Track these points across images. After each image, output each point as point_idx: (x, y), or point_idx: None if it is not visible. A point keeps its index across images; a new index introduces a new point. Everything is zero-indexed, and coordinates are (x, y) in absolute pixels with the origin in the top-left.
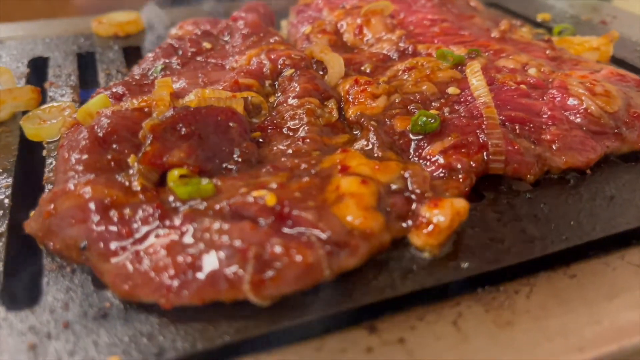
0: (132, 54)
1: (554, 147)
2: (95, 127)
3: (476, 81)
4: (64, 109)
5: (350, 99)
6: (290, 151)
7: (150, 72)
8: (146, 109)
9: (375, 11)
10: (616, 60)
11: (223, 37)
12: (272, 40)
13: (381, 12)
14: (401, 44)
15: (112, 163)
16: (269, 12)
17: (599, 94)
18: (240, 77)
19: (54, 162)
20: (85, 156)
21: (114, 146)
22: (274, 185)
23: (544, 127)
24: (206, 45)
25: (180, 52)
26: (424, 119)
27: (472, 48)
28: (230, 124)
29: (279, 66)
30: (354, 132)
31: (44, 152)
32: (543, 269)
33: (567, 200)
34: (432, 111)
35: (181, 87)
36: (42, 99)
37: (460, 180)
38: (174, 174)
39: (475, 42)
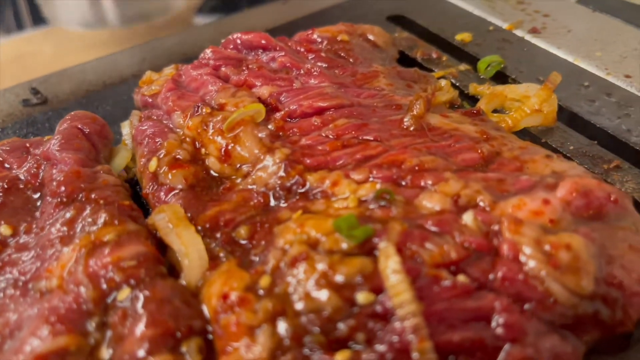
0: None
1: None
2: None
3: (395, 295)
4: None
5: (218, 331)
6: None
7: None
8: None
9: (244, 121)
10: (564, 114)
11: (33, 193)
12: (93, 221)
13: (252, 120)
14: (282, 173)
15: None
16: (99, 128)
17: (565, 266)
18: (44, 341)
19: None
20: None
21: None
22: None
23: (500, 345)
24: (4, 231)
25: None
26: None
27: (382, 188)
28: None
29: (105, 287)
30: None
31: None
32: None
33: None
34: (340, 356)
35: None
36: None
37: None
38: None
39: (385, 159)
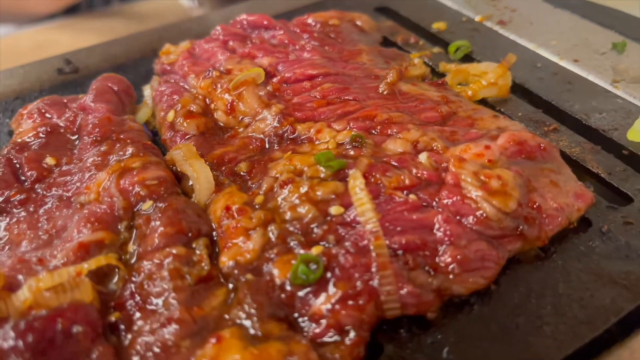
0: None
1: (453, 272)
2: None
3: (359, 206)
4: None
5: (221, 234)
6: (155, 349)
7: None
8: None
9: (247, 82)
10: (517, 88)
11: (71, 135)
12: (123, 153)
13: (253, 81)
14: (276, 124)
15: None
16: (125, 87)
17: (495, 191)
18: (85, 235)
19: None
20: None
21: None
22: None
23: (439, 247)
24: (49, 161)
25: (20, 173)
26: (305, 268)
27: (356, 133)
28: (75, 329)
29: (132, 199)
30: (230, 284)
31: None
32: None
33: (474, 337)
34: (314, 249)
35: (17, 259)
36: None
37: (352, 344)
38: None
39: (361, 114)
